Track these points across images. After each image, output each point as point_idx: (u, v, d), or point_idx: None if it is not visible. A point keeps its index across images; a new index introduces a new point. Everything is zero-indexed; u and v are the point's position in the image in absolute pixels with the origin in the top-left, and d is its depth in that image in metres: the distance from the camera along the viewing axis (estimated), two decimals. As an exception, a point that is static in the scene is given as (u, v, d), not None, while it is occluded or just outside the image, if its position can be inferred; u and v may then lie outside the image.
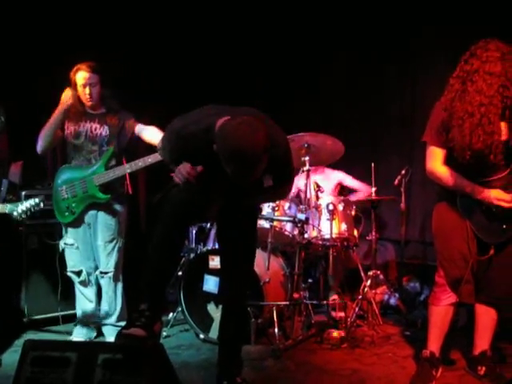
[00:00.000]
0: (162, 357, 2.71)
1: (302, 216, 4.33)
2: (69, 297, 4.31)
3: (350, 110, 6.14)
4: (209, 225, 4.60)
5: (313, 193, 4.62)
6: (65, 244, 4.14)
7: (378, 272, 4.84)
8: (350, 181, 5.47)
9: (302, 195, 4.65)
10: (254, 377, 3.48)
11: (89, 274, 4.16)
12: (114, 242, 4.09)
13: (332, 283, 4.68)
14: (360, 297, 4.53)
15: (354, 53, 6.15)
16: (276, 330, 4.04)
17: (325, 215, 4.53)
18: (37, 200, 3.86)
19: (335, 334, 4.16)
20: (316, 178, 5.11)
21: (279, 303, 4.27)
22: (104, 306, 4.19)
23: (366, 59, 6.07)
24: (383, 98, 6.06)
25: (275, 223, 4.44)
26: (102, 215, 4.06)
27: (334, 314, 4.47)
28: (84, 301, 4.22)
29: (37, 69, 5.07)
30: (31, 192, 4.42)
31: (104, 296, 4.18)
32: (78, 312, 4.25)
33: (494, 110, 3.02)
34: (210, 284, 4.16)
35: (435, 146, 3.25)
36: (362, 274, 4.70)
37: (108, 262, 4.08)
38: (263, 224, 4.39)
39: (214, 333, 4.08)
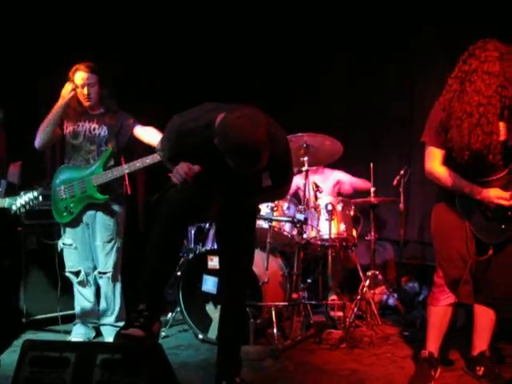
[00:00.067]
0: (161, 357, 2.71)
1: (300, 216, 4.32)
2: (68, 297, 4.30)
3: (349, 110, 6.14)
4: (208, 225, 4.60)
5: (312, 193, 4.62)
6: (63, 244, 4.14)
7: (377, 272, 4.85)
8: (349, 179, 5.46)
9: (301, 194, 4.66)
10: (252, 377, 3.48)
11: (87, 275, 4.16)
12: (113, 242, 4.08)
13: (331, 283, 4.68)
14: (359, 297, 4.53)
15: (354, 53, 6.15)
16: (275, 330, 4.04)
17: (324, 215, 4.54)
18: (35, 193, 3.83)
19: (334, 334, 4.17)
20: (315, 178, 5.11)
21: (278, 303, 4.27)
22: (103, 307, 4.19)
23: (366, 59, 6.07)
24: (383, 98, 6.06)
25: (274, 223, 4.44)
26: (100, 215, 4.05)
27: (332, 313, 4.47)
28: (83, 301, 4.21)
29: (37, 69, 5.08)
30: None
31: (102, 296, 4.17)
32: (77, 312, 4.25)
33: (492, 110, 3.02)
34: (209, 284, 4.16)
35: (434, 147, 3.25)
36: (361, 274, 4.70)
37: (106, 262, 4.08)
38: (262, 224, 4.40)
39: (212, 333, 4.08)
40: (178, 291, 4.28)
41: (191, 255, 4.54)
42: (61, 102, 4.00)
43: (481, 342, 3.44)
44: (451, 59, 3.27)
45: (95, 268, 4.14)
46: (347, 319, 4.29)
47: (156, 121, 4.04)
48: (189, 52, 6.13)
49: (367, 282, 4.67)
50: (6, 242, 4.37)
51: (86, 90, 4.00)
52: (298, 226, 4.38)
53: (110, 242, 4.07)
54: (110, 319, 4.16)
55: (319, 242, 4.54)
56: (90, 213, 4.06)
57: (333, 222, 4.48)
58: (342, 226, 4.59)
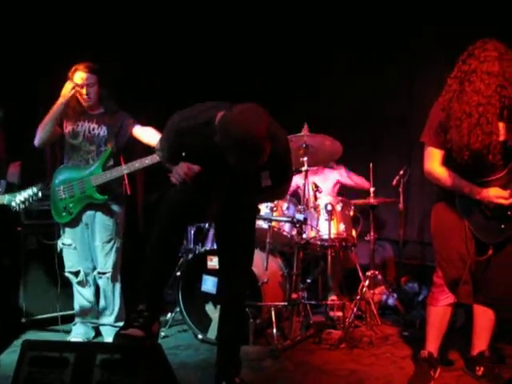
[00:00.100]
0: (160, 357, 2.70)
1: (300, 216, 4.32)
2: (67, 297, 4.30)
3: (349, 110, 6.14)
4: (207, 225, 4.60)
5: (311, 193, 4.62)
6: (63, 244, 4.14)
7: (377, 272, 4.85)
8: (347, 174, 5.46)
9: (301, 193, 4.66)
10: (252, 377, 3.47)
11: (87, 275, 4.16)
12: (112, 242, 4.08)
13: (331, 284, 4.67)
14: (358, 297, 4.53)
15: (354, 53, 6.16)
16: (274, 330, 4.05)
17: (323, 215, 4.53)
18: (35, 189, 3.82)
19: (333, 334, 4.17)
20: (315, 178, 5.12)
21: (277, 304, 4.27)
22: (102, 307, 4.19)
23: (366, 59, 6.07)
24: (383, 98, 6.06)
25: (273, 223, 4.44)
26: (99, 216, 4.06)
27: (332, 313, 4.47)
28: (82, 301, 4.21)
29: (37, 69, 5.08)
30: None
31: (102, 296, 4.18)
32: (77, 312, 4.24)
33: (492, 110, 3.02)
34: (209, 284, 4.16)
35: (433, 147, 3.25)
36: (361, 275, 4.70)
37: (106, 262, 4.08)
38: (261, 224, 4.40)
39: (212, 333, 4.08)
40: (178, 291, 4.28)
41: (191, 255, 4.54)
42: (61, 100, 4.00)
43: (480, 342, 3.44)
44: (451, 59, 3.26)
45: (95, 268, 4.14)
46: (347, 319, 4.29)
47: (156, 121, 4.04)
48: (189, 52, 6.12)
49: (367, 282, 4.66)
50: (5, 242, 4.38)
51: (84, 90, 4.00)
52: (297, 226, 4.38)
53: (109, 242, 4.07)
54: (109, 319, 4.16)
55: (319, 242, 4.54)
56: (90, 213, 4.06)
57: (332, 222, 4.48)
58: (342, 226, 4.59)
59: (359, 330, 4.39)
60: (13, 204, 3.82)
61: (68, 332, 4.25)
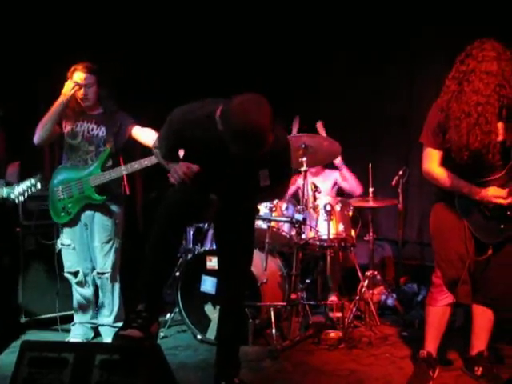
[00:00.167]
0: (159, 357, 2.70)
1: (299, 216, 4.31)
2: (66, 297, 4.30)
3: (349, 110, 6.14)
4: (206, 225, 4.59)
5: (310, 193, 4.62)
6: (61, 245, 4.14)
7: (376, 272, 4.84)
8: (344, 183, 5.45)
9: (300, 193, 4.66)
10: (251, 378, 3.48)
11: (86, 275, 4.16)
12: (111, 242, 4.09)
13: (330, 284, 4.67)
14: (357, 297, 4.53)
15: (354, 53, 6.15)
16: (273, 330, 4.05)
17: (322, 216, 4.53)
18: (33, 181, 3.81)
19: (332, 334, 4.17)
20: (315, 179, 5.12)
21: (277, 304, 4.27)
22: (101, 307, 4.20)
23: (366, 59, 6.07)
24: (383, 98, 6.06)
25: (273, 224, 4.44)
26: (98, 216, 4.06)
27: (331, 314, 4.47)
28: (81, 301, 4.22)
29: (37, 69, 5.08)
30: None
31: (101, 297, 4.19)
32: (76, 312, 4.25)
33: (491, 110, 3.02)
34: (208, 285, 4.16)
35: (432, 148, 3.25)
36: (360, 275, 4.69)
37: (105, 262, 4.09)
38: (261, 224, 4.40)
39: (211, 333, 4.09)
40: (177, 292, 4.28)
41: (190, 256, 4.54)
42: (62, 99, 4.00)
43: (479, 342, 3.44)
44: (451, 59, 3.26)
45: (94, 268, 4.14)
46: (346, 319, 4.29)
47: (156, 121, 4.03)
48: (189, 52, 6.12)
49: (366, 283, 4.65)
50: (4, 243, 4.38)
51: (83, 91, 4.00)
52: (296, 226, 4.37)
53: (108, 242, 4.08)
54: (108, 320, 4.16)
55: (318, 243, 4.52)
56: (89, 213, 4.07)
57: (331, 223, 4.46)
58: (341, 227, 4.58)
59: (358, 331, 4.39)
60: (12, 196, 3.81)
61: (67, 332, 4.25)
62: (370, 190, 4.79)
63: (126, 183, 4.18)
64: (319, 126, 5.17)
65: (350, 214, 4.71)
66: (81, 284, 4.18)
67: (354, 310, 4.44)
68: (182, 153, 3.11)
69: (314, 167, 5.18)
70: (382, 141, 6.06)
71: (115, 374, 2.50)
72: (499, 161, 3.14)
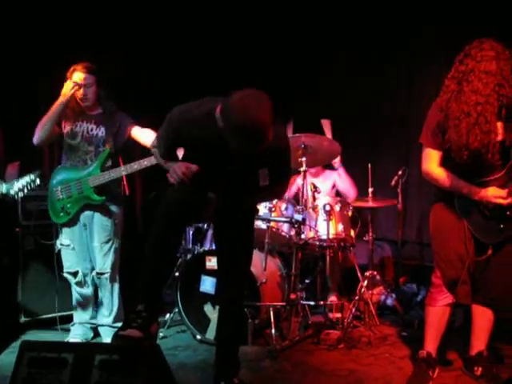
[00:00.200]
0: (159, 358, 2.70)
1: (298, 217, 4.31)
2: (66, 297, 4.31)
3: (349, 110, 6.14)
4: (206, 225, 4.59)
5: (309, 193, 4.63)
6: (61, 245, 4.14)
7: (375, 272, 4.85)
8: (341, 184, 5.45)
9: (300, 194, 4.67)
10: (250, 378, 3.47)
11: (85, 275, 4.16)
12: (110, 242, 4.09)
13: (330, 284, 4.67)
14: (357, 297, 4.53)
15: (354, 53, 6.16)
16: (273, 330, 4.05)
17: (322, 216, 4.53)
18: (32, 176, 3.80)
19: (332, 334, 4.17)
20: (315, 180, 5.12)
21: (276, 304, 4.27)
22: (100, 307, 4.20)
23: (366, 59, 6.08)
24: (383, 98, 6.07)
25: (272, 224, 4.44)
26: (98, 216, 4.06)
27: (330, 315, 4.48)
28: (81, 302, 4.22)
29: (37, 69, 5.09)
30: (28, 193, 4.43)
31: (100, 297, 4.19)
32: (75, 313, 4.26)
33: (490, 109, 3.02)
34: (207, 285, 4.16)
35: (431, 148, 3.25)
36: (359, 275, 4.69)
37: (104, 262, 4.09)
38: (260, 225, 4.39)
39: (210, 333, 4.08)
40: (176, 292, 4.28)
41: (189, 256, 4.54)
42: (61, 100, 4.01)
43: (479, 342, 3.44)
44: (451, 59, 3.26)
45: (93, 269, 4.14)
46: (345, 319, 4.30)
47: (156, 121, 4.04)
48: (189, 52, 6.13)
49: (365, 283, 4.65)
50: (4, 242, 4.38)
51: (82, 91, 4.00)
52: (296, 226, 4.37)
53: (107, 242, 4.08)
54: (107, 320, 4.16)
55: (317, 243, 4.52)
56: (88, 213, 4.07)
57: (331, 223, 4.46)
58: (340, 227, 4.58)
59: (358, 331, 4.39)
60: (11, 192, 3.80)
61: (66, 331, 4.25)
62: (370, 190, 4.80)
63: (125, 183, 4.18)
64: (326, 124, 5.14)
65: (350, 214, 4.71)
66: (80, 284, 4.18)
67: (354, 310, 4.44)
68: (180, 153, 3.11)
69: (313, 167, 5.17)
70: (382, 141, 6.06)
71: (115, 374, 2.50)
72: (498, 160, 3.14)
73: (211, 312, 4.15)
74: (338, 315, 4.38)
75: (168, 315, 4.45)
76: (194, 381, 3.52)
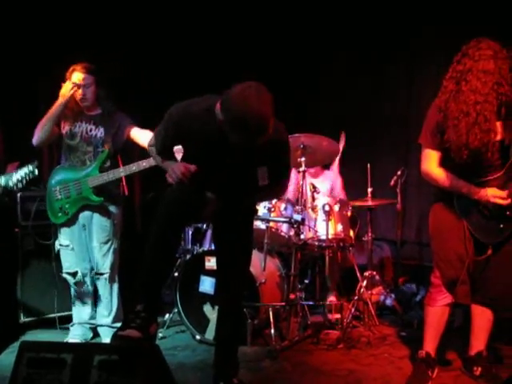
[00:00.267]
0: (158, 358, 2.69)
1: (298, 217, 4.32)
2: (65, 298, 4.32)
3: (349, 110, 6.15)
4: (205, 226, 4.59)
5: (309, 194, 4.63)
6: (60, 245, 4.15)
7: (374, 273, 4.85)
8: (338, 187, 5.44)
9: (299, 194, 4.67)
10: (250, 378, 3.48)
11: (84, 275, 4.16)
12: (110, 243, 4.09)
13: (329, 284, 4.68)
14: (356, 297, 4.52)
15: (354, 53, 6.17)
16: (272, 330, 4.05)
17: (321, 216, 4.53)
18: (30, 167, 3.81)
19: (331, 334, 4.18)
20: (315, 180, 5.12)
21: (275, 304, 4.27)
22: (100, 307, 4.20)
23: (366, 59, 6.08)
24: (383, 98, 6.07)
25: (271, 224, 4.44)
26: (97, 216, 4.06)
27: (330, 316, 4.48)
28: (80, 302, 4.23)
29: (37, 69, 5.09)
30: (27, 193, 4.45)
31: (100, 297, 4.19)
32: (74, 313, 4.26)
33: (489, 108, 3.02)
34: (206, 285, 4.16)
35: (430, 149, 3.24)
36: (358, 275, 4.68)
37: (103, 263, 4.09)
38: (259, 225, 4.39)
39: (210, 334, 4.08)
40: (176, 292, 4.28)
41: (188, 256, 4.54)
42: (60, 100, 4.01)
43: (478, 342, 3.44)
44: (451, 59, 3.25)
45: (92, 269, 4.15)
46: (344, 320, 4.30)
47: (156, 121, 4.04)
48: (189, 52, 6.13)
49: (364, 283, 4.65)
50: (3, 243, 4.38)
51: (82, 91, 4.01)
52: (295, 226, 4.38)
53: (106, 242, 4.08)
54: (107, 320, 4.16)
55: (316, 243, 4.52)
56: (87, 214, 4.07)
57: (330, 223, 4.46)
58: (340, 227, 4.58)
59: (357, 331, 4.38)
60: (10, 184, 3.81)
61: (66, 331, 4.26)
62: (369, 190, 4.79)
63: (124, 184, 4.18)
64: (342, 136, 5.15)
65: (349, 214, 4.72)
66: (79, 284, 4.19)
67: (353, 310, 4.44)
68: (179, 156, 3.10)
69: (312, 167, 5.17)
70: (382, 141, 6.06)
71: (114, 375, 2.49)
72: (498, 160, 3.15)
73: (210, 312, 4.15)
74: (338, 316, 4.38)
75: (167, 315, 4.46)
76: (193, 381, 3.53)
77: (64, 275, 4.18)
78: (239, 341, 3.49)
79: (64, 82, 4.02)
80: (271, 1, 6.16)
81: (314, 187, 4.62)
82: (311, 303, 4.53)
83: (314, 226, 4.56)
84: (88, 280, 4.19)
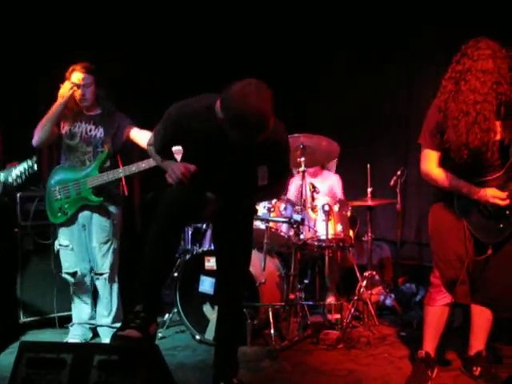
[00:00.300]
0: (158, 358, 2.69)
1: (297, 217, 4.32)
2: (65, 298, 4.32)
3: (349, 109, 6.15)
4: (204, 226, 4.59)
5: (308, 194, 4.63)
6: (60, 245, 4.15)
7: (374, 273, 4.85)
8: (338, 190, 5.45)
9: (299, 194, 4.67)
10: (250, 378, 3.48)
11: (84, 276, 4.17)
12: (109, 243, 4.09)
13: (328, 284, 4.68)
14: (356, 297, 4.52)
15: (354, 53, 6.17)
16: (272, 330, 4.05)
17: (320, 216, 4.53)
18: (30, 162, 3.81)
19: (331, 334, 4.18)
20: (314, 180, 5.12)
21: (275, 304, 4.26)
22: (99, 308, 4.20)
23: (366, 59, 6.09)
24: (383, 98, 6.07)
25: (271, 224, 4.44)
26: (96, 217, 4.06)
27: (329, 316, 4.48)
28: (79, 302, 4.24)
29: (37, 69, 5.09)
30: (27, 193, 4.45)
31: (99, 297, 4.19)
32: (74, 313, 4.26)
33: (489, 107, 3.02)
34: (206, 285, 4.15)
35: (429, 149, 3.25)
36: (358, 275, 4.69)
37: (103, 263, 4.09)
38: (259, 225, 4.39)
39: (209, 334, 4.08)
40: (175, 292, 4.28)
41: (188, 256, 4.54)
42: (60, 101, 4.01)
43: (477, 342, 3.44)
44: (451, 59, 3.25)
45: (92, 269, 4.15)
46: (344, 320, 4.30)
47: (156, 121, 4.04)
48: (189, 52, 6.13)
49: (364, 283, 4.65)
50: (3, 243, 4.39)
51: (81, 91, 4.01)
52: (294, 226, 4.38)
53: (106, 243, 4.08)
54: (106, 320, 4.16)
55: (316, 243, 4.53)
56: (87, 214, 4.07)
57: (330, 223, 4.46)
58: (339, 227, 4.58)
59: (357, 331, 4.38)
60: (10, 179, 3.81)
61: (65, 331, 4.26)
62: (369, 190, 4.80)
63: (124, 184, 4.18)
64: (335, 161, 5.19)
65: (349, 214, 4.72)
66: (79, 285, 4.19)
67: (353, 310, 4.44)
68: (179, 157, 3.10)
69: (312, 167, 5.17)
70: (381, 141, 6.06)
71: (113, 375, 2.49)
72: (498, 160, 3.15)
73: (210, 312, 4.15)
74: (337, 316, 4.38)
75: (167, 315, 4.46)
76: (192, 381, 3.53)
77: (64, 275, 4.18)
78: (239, 341, 3.49)
79: (64, 82, 4.03)
80: (271, 1, 6.15)
81: (314, 187, 4.62)
82: (311, 303, 4.54)
83: (314, 226, 4.56)
84: (88, 280, 4.19)
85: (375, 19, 5.88)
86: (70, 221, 4.09)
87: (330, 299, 4.67)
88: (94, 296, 4.25)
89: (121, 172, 3.99)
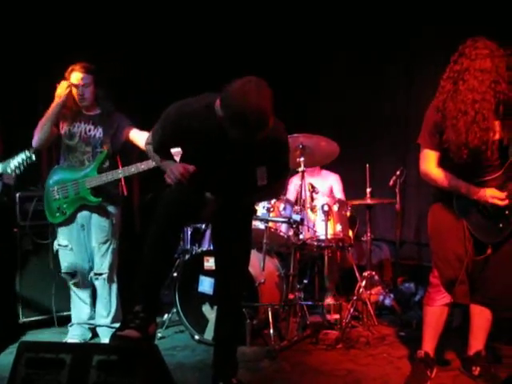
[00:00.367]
0: (157, 358, 2.69)
1: (297, 217, 4.32)
2: (64, 298, 4.32)
3: (349, 109, 6.15)
4: (204, 226, 4.58)
5: (308, 194, 4.63)
6: (59, 245, 4.15)
7: (373, 273, 4.85)
8: (338, 189, 5.46)
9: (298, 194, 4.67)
10: (249, 378, 3.48)
11: (83, 276, 4.17)
12: (108, 243, 4.09)
13: (328, 284, 4.68)
14: (355, 297, 4.53)
15: (354, 53, 6.17)
16: (271, 330, 4.04)
17: (320, 216, 4.53)
18: (27, 153, 3.82)
19: (330, 334, 4.18)
20: (314, 180, 5.12)
21: (274, 304, 4.26)
22: (99, 308, 4.20)
23: (365, 59, 6.08)
24: (383, 98, 6.07)
25: (270, 224, 4.43)
26: (95, 217, 4.07)
27: (329, 316, 4.47)
28: (78, 302, 4.23)
29: (37, 69, 5.09)
30: (26, 193, 4.45)
31: (98, 297, 4.18)
32: (73, 313, 4.26)
33: (487, 106, 3.02)
34: (205, 285, 4.16)
35: (428, 149, 3.25)
36: (357, 275, 4.69)
37: (102, 263, 4.09)
38: (258, 225, 4.39)
39: (209, 334, 4.08)
40: (175, 292, 4.28)
41: (187, 256, 4.53)
42: (57, 101, 4.02)
43: (477, 342, 3.43)
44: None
45: (91, 269, 4.14)
46: (343, 320, 4.30)
47: (156, 121, 4.04)
48: (188, 52, 6.13)
49: (363, 283, 4.66)
50: (2, 243, 4.39)
51: (80, 91, 4.00)
52: (294, 226, 4.38)
53: (105, 243, 4.08)
54: (106, 320, 4.16)
55: (315, 243, 4.53)
56: (86, 214, 4.07)
57: (329, 223, 4.46)
58: (339, 227, 4.58)
59: (356, 331, 4.38)
60: (8, 170, 3.82)
61: (64, 332, 4.26)
62: (368, 190, 4.80)
63: (123, 184, 4.18)
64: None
65: (348, 214, 4.72)
66: (78, 285, 4.19)
67: (352, 310, 4.44)
68: (178, 157, 3.10)
69: (311, 167, 5.17)
70: (381, 141, 6.06)
71: (113, 375, 2.50)
72: (497, 160, 3.15)
73: (209, 312, 4.15)
74: (336, 317, 4.38)
75: (166, 315, 4.47)
76: (192, 381, 3.53)
77: (63, 275, 4.18)
78: (238, 341, 3.49)
79: (63, 81, 4.02)
80: (271, 1, 6.15)
81: (313, 187, 4.62)
82: (310, 303, 4.54)
83: (313, 226, 4.55)
84: (87, 280, 4.19)
85: (375, 19, 5.88)
86: (69, 221, 4.09)
87: (330, 299, 4.67)
88: (94, 296, 4.25)
89: (120, 173, 3.99)
